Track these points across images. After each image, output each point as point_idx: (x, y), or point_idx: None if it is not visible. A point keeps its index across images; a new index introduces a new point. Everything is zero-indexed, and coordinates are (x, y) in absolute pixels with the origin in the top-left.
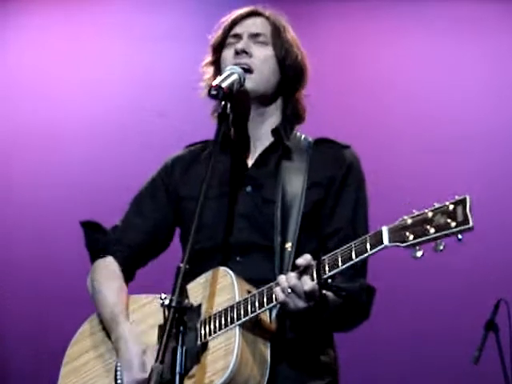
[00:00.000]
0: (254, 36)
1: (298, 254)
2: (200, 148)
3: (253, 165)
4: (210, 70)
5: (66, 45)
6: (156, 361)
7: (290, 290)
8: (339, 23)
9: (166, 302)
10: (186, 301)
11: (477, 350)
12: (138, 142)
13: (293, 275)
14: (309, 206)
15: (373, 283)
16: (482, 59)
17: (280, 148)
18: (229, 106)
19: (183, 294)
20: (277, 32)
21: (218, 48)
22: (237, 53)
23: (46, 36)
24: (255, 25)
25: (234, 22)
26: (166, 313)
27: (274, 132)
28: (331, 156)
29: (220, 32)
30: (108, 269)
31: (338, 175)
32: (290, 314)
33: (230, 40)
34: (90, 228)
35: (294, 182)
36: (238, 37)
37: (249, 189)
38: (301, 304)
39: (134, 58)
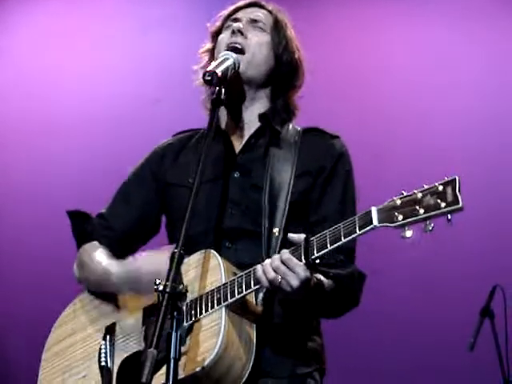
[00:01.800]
0: (253, 21)
1: (284, 240)
2: (188, 136)
3: (241, 150)
4: (207, 56)
5: (60, 34)
6: (150, 346)
7: (272, 272)
8: (335, 11)
9: (160, 287)
10: (181, 286)
11: (472, 336)
12: (133, 130)
13: (276, 256)
14: (296, 194)
15: (370, 270)
16: (481, 47)
17: (268, 133)
18: (223, 91)
19: (177, 279)
20: (277, 26)
21: (216, 34)
22: (233, 32)
23: (39, 27)
24: (256, 12)
25: (236, 10)
26: (160, 298)
27: (262, 116)
28: (320, 146)
29: (220, 19)
30: (95, 250)
31: (327, 165)
32: (279, 295)
33: (229, 23)
34: (77, 217)
35: (283, 170)
36: (237, 20)
37: (237, 174)
38: (294, 282)
39: (129, 46)
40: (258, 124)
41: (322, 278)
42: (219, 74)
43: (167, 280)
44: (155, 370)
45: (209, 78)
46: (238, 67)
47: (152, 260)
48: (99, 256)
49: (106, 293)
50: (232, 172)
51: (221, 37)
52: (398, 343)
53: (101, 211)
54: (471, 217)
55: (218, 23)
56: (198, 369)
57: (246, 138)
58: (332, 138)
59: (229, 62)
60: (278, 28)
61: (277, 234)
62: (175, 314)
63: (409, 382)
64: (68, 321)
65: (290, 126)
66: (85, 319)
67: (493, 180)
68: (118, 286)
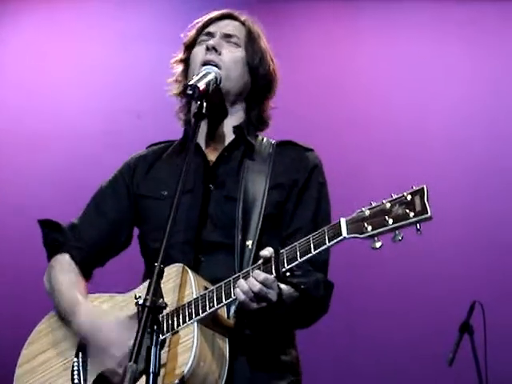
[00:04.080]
0: (227, 36)
1: (258, 253)
2: (162, 148)
3: (215, 163)
4: (180, 66)
5: (36, 47)
6: (130, 360)
7: (252, 294)
8: (315, 22)
9: (141, 301)
10: (160, 300)
11: (451, 351)
12: (112, 143)
13: (251, 278)
14: (270, 206)
15: (351, 284)
16: (462, 57)
17: (242, 145)
18: (205, 105)
19: (158, 293)
20: (251, 38)
21: (190, 46)
22: (207, 49)
23: (21, 38)
24: (229, 26)
25: (209, 22)
26: (140, 312)
27: (237, 128)
28: (294, 158)
29: (193, 31)
30: (64, 265)
31: (300, 178)
32: (249, 309)
33: (203, 38)
34: (49, 227)
35: (257, 182)
36: (211, 35)
37: (211, 187)
38: (273, 297)
39: (110, 59)
40: (232, 136)
41: (284, 287)
42: (201, 88)
43: (147, 294)
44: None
45: (190, 92)
46: (220, 81)
47: (110, 331)
48: (68, 280)
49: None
50: (206, 184)
51: (195, 51)
52: (377, 359)
53: (72, 221)
54: (451, 232)
55: (192, 34)
56: (174, 382)
57: (220, 150)
58: (306, 150)
59: (210, 77)
60: (251, 41)
61: (250, 246)
62: (155, 328)
63: None
64: (41, 337)
65: (264, 139)
66: (58, 335)
67: (473, 195)
68: (77, 331)
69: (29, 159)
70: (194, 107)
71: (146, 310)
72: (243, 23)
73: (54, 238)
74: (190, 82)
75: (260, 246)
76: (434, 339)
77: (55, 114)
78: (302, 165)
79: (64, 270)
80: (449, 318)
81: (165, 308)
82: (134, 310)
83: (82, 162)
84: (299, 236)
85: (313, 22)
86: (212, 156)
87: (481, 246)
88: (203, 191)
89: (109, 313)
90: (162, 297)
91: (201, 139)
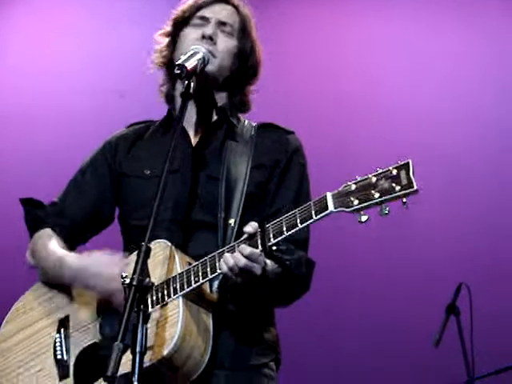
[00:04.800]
0: (222, 24)
1: (240, 231)
2: (144, 127)
3: (198, 143)
4: (165, 40)
5: (27, 27)
6: (116, 339)
7: (237, 268)
8: (305, 6)
9: (127, 280)
10: (147, 279)
11: (438, 332)
12: (94, 123)
13: (236, 253)
14: (252, 185)
15: (335, 264)
16: (449, 43)
17: (225, 126)
18: (192, 85)
19: (144, 272)
20: (244, 27)
21: (181, 24)
22: (203, 37)
23: (8, 23)
24: (224, 12)
25: (204, 4)
26: (127, 291)
27: (220, 110)
28: (276, 140)
29: (186, 8)
30: (47, 237)
31: (282, 159)
32: (233, 283)
33: (196, 21)
34: (30, 205)
35: (239, 162)
36: (206, 20)
37: (194, 167)
38: (257, 271)
39: (96, 41)
40: (215, 118)
41: (268, 262)
42: (189, 67)
43: (134, 273)
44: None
45: (178, 72)
46: (208, 61)
47: (102, 263)
48: (53, 246)
49: (59, 284)
50: (189, 165)
51: (187, 32)
52: (363, 340)
53: (53, 200)
54: (437, 214)
55: (183, 12)
56: (158, 358)
57: (203, 131)
58: (287, 133)
59: (198, 56)
60: (244, 30)
61: (232, 224)
62: (141, 307)
63: (373, 379)
64: (19, 315)
65: (246, 121)
66: (37, 313)
67: (457, 178)
68: (68, 279)
69: (14, 138)
70: (180, 87)
71: (133, 288)
72: (237, 9)
73: (36, 214)
74: (178, 62)
75: (242, 224)
76: (420, 320)
77: (41, 94)
78: (283, 146)
79: (47, 241)
80: (435, 299)
81: (151, 287)
82: None
83: (67, 141)
84: (281, 215)
85: (301, 4)
86: (195, 137)
87: (467, 228)
88: (187, 171)
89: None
90: (149, 276)
91: (184, 120)
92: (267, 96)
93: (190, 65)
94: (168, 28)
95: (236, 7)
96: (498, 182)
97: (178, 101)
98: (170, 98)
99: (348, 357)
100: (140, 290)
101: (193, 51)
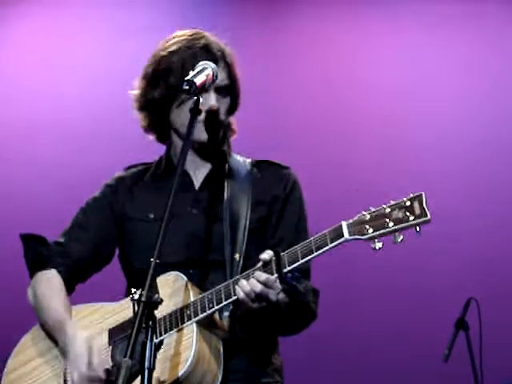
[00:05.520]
0: (219, 89)
1: (245, 265)
2: (142, 170)
3: (199, 188)
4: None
5: (44, 38)
6: (125, 356)
7: (253, 295)
8: (313, 23)
9: (136, 296)
10: (156, 295)
11: (447, 348)
12: (124, 137)
13: (253, 279)
14: (254, 222)
15: (348, 282)
16: (453, 54)
17: (223, 168)
18: (201, 100)
19: (153, 288)
20: (232, 79)
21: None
22: (208, 110)
23: (22, 33)
24: (220, 75)
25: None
26: (136, 307)
27: (219, 154)
28: (273, 176)
29: (175, 59)
30: (52, 282)
31: (280, 194)
32: (245, 311)
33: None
34: (32, 241)
35: (239, 200)
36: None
37: (195, 211)
38: (273, 297)
39: (112, 52)
40: (211, 159)
41: (280, 294)
42: (198, 83)
43: (142, 289)
44: (130, 380)
45: (187, 87)
46: (216, 76)
47: (86, 359)
48: (56, 302)
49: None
50: (190, 208)
51: (188, 102)
52: (373, 354)
53: (58, 239)
54: (447, 228)
55: (174, 73)
56: (172, 379)
57: (203, 174)
58: (282, 168)
59: (207, 72)
60: (233, 82)
61: (237, 259)
62: (150, 323)
63: None
64: (27, 348)
65: (241, 158)
66: (45, 345)
67: (468, 193)
68: (61, 343)
69: (19, 149)
70: (189, 103)
71: (142, 304)
72: (226, 63)
73: (39, 252)
74: (187, 77)
75: (246, 258)
76: (429, 335)
77: (47, 106)
78: (281, 182)
79: (52, 287)
80: (444, 314)
81: (160, 303)
82: (115, 321)
83: (72, 154)
84: (283, 245)
85: (313, 18)
86: (196, 179)
87: (477, 242)
88: (188, 215)
89: (87, 328)
90: (158, 292)
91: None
92: (277, 111)
93: (198, 80)
94: (149, 65)
95: (225, 62)
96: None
97: (178, 145)
98: (161, 138)
99: (356, 371)
100: (148, 305)
101: (201, 67)
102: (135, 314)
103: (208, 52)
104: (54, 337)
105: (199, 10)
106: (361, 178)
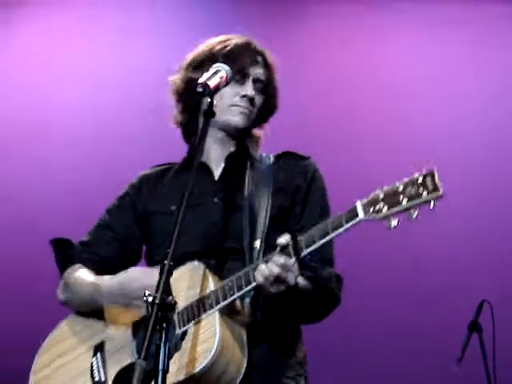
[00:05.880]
0: (257, 81)
1: (266, 252)
2: (166, 168)
3: (219, 177)
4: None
5: (53, 41)
6: (139, 357)
7: (272, 278)
8: (325, 23)
9: (150, 298)
10: (170, 297)
11: (461, 350)
12: (129, 139)
13: (271, 263)
14: (275, 209)
15: (355, 280)
16: (457, 51)
17: (245, 158)
18: (215, 103)
19: (166, 290)
20: (271, 79)
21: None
22: (244, 96)
23: (26, 35)
24: (260, 70)
25: (238, 55)
26: (149, 309)
27: (240, 143)
28: (294, 166)
29: (221, 53)
30: (79, 270)
31: (302, 184)
32: (266, 297)
33: (237, 76)
34: (60, 245)
35: (260, 190)
36: (245, 76)
37: (216, 200)
38: (291, 280)
39: (117, 54)
40: (232, 149)
41: (299, 279)
42: (211, 85)
43: (156, 291)
44: (146, 380)
45: (201, 90)
46: (230, 79)
47: (141, 274)
48: (85, 274)
49: (94, 310)
50: (211, 198)
51: (227, 87)
52: (385, 357)
53: (82, 239)
54: (460, 229)
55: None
56: (195, 371)
57: (222, 162)
58: (304, 159)
59: (221, 74)
60: (272, 84)
61: (258, 247)
62: (164, 325)
63: None
64: (54, 344)
65: (263, 154)
66: (73, 341)
67: (482, 192)
68: (106, 298)
69: (21, 151)
70: (204, 105)
71: (156, 307)
72: (266, 62)
73: (66, 252)
74: (201, 80)
75: (267, 246)
76: (443, 337)
77: (55, 109)
78: (302, 172)
79: (79, 272)
80: (457, 316)
81: (174, 305)
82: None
83: (93, 158)
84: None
85: (329, 22)
86: (217, 170)
87: (490, 243)
88: (209, 205)
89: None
90: (171, 294)
91: (205, 155)
92: (291, 113)
93: (212, 83)
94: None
95: (265, 60)
96: None
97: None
98: (190, 139)
99: (368, 376)
100: (163, 308)
101: (215, 69)
102: (149, 315)
103: (248, 48)
104: (94, 305)
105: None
106: (366, 176)
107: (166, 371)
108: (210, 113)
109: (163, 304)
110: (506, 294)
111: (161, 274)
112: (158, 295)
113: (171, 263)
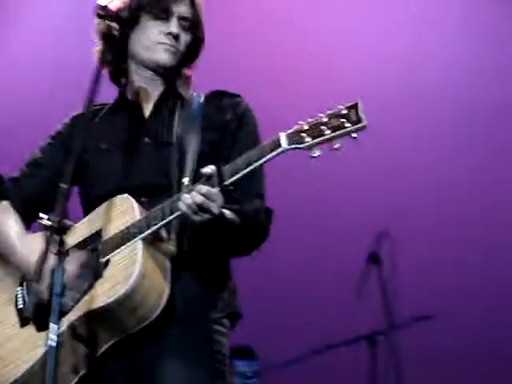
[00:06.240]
0: (182, 19)
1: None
2: (99, 108)
3: (149, 116)
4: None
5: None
6: (34, 280)
7: (195, 206)
8: None
9: (45, 221)
10: (66, 221)
11: (359, 282)
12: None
13: (194, 192)
14: (205, 146)
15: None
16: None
17: (173, 96)
18: (117, 27)
19: (63, 214)
20: (198, 18)
21: (138, 11)
22: (168, 33)
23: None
24: (184, 8)
25: None
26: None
27: (168, 83)
28: (224, 103)
29: None
30: (4, 210)
31: (232, 119)
32: (191, 226)
33: (158, 12)
34: None
35: (189, 127)
36: (168, 14)
37: (146, 140)
38: (215, 210)
39: None
40: (161, 88)
41: (226, 211)
42: (113, 8)
43: (53, 214)
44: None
45: (101, 12)
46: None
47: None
48: (9, 226)
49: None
50: (142, 137)
51: (150, 24)
52: (284, 299)
53: (14, 175)
54: (357, 156)
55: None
56: (115, 297)
57: (152, 102)
58: (233, 96)
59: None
60: (198, 22)
61: (186, 183)
62: (59, 248)
63: (302, 333)
64: None
65: (194, 93)
66: None
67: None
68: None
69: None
70: (102, 27)
71: (51, 229)
72: (191, 2)
73: None
74: (99, 1)
75: (196, 182)
76: (341, 270)
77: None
78: (231, 107)
79: (5, 216)
80: (357, 248)
81: (69, 228)
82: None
83: None
84: None
85: None
86: (146, 109)
87: (390, 176)
88: (140, 144)
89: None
90: (67, 217)
91: (134, 94)
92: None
93: (114, 5)
94: (123, 13)
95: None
96: None
97: (134, 82)
98: (118, 78)
99: (271, 307)
100: (58, 231)
101: None
102: (45, 239)
103: None
104: (6, 259)
105: None
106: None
107: (60, 295)
108: (110, 36)
109: (58, 227)
110: (406, 226)
111: (103, 199)
112: (54, 218)
113: (65, 186)
